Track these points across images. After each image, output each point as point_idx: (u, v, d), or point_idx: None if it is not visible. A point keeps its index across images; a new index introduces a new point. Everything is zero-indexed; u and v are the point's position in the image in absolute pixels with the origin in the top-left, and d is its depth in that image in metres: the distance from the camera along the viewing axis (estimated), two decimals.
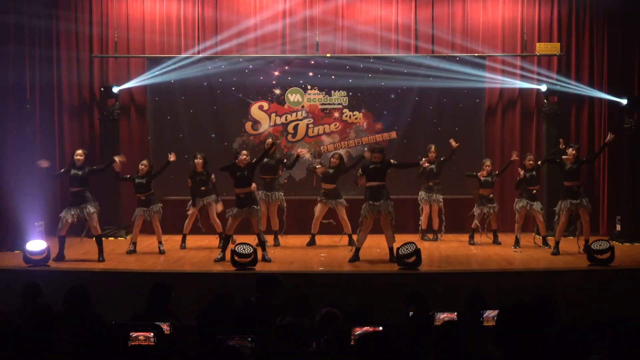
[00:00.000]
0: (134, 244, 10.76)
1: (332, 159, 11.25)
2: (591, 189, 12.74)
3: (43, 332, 4.76)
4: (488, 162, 11.51)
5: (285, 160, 11.50)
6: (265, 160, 11.10)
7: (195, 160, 11.01)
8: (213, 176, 11.10)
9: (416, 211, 12.30)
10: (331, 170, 11.17)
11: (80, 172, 10.15)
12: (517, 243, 11.01)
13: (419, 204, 11.85)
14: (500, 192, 12.58)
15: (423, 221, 11.81)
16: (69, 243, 10.57)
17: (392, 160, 10.07)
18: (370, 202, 9.79)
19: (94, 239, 10.22)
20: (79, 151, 10.33)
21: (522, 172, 10.97)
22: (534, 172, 11.02)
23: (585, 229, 10.58)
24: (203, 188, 11.05)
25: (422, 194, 11.72)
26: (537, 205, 11.00)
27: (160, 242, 10.74)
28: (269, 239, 11.26)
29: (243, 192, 10.08)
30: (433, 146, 11.73)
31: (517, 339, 3.06)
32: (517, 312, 3.13)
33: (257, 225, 10.13)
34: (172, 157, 10.67)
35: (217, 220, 11.15)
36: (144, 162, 10.81)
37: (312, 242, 11.38)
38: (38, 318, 5.01)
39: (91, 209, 10.12)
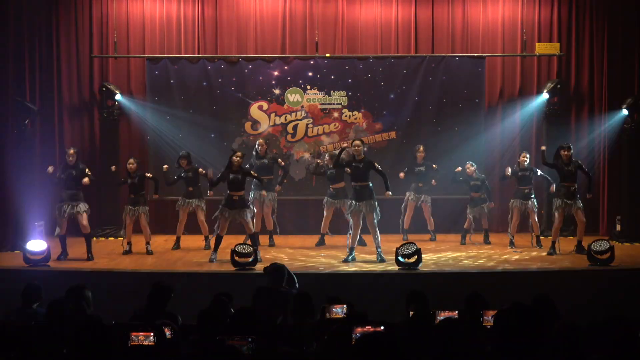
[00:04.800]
0: (129, 244, 10.70)
1: (326, 159, 11.15)
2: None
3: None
4: (469, 165, 11.49)
5: (279, 160, 11.47)
6: (260, 161, 11.13)
7: (180, 161, 11.08)
8: (203, 170, 11.05)
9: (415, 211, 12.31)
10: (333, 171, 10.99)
11: (74, 172, 10.24)
12: (511, 243, 11.05)
13: (403, 203, 11.79)
14: (499, 193, 12.58)
15: (406, 221, 11.78)
16: (69, 243, 10.57)
17: (376, 164, 9.95)
18: (354, 201, 9.86)
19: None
20: (71, 151, 10.42)
21: (508, 169, 11.19)
22: (527, 172, 11.03)
23: (580, 230, 10.58)
24: (190, 188, 11.04)
25: (411, 195, 11.69)
26: (531, 204, 11.01)
27: (147, 243, 10.70)
28: (265, 239, 11.27)
29: (237, 194, 10.04)
30: (422, 147, 11.74)
31: (514, 341, 3.05)
32: (514, 314, 3.13)
33: (249, 227, 10.10)
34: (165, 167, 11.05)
35: (205, 223, 11.13)
36: (131, 160, 10.79)
37: (321, 242, 11.31)
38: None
39: (82, 207, 10.24)
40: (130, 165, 10.70)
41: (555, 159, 10.57)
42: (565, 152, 10.48)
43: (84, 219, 10.23)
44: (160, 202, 12.24)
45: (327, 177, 11.16)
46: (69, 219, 10.33)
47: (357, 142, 10.06)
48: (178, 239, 11.16)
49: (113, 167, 11.31)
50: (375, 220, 9.80)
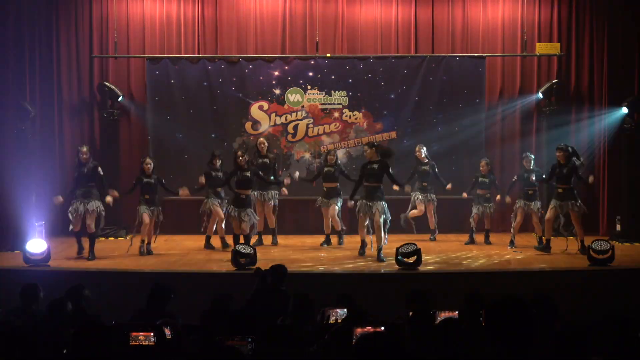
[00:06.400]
0: (149, 243, 10.51)
1: (329, 157, 11.11)
2: (591, 189, 12.75)
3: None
4: (484, 162, 11.52)
5: (276, 166, 11.51)
6: (262, 160, 11.14)
7: (214, 160, 10.89)
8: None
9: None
10: (333, 169, 10.99)
11: (86, 169, 10.25)
12: (511, 243, 11.06)
13: (414, 205, 11.76)
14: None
15: (430, 221, 11.77)
16: (69, 243, 10.58)
17: (390, 170, 10.11)
18: (365, 201, 9.99)
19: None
20: (84, 149, 10.40)
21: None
22: (531, 173, 11.04)
23: (577, 230, 10.55)
24: (219, 189, 10.88)
25: (417, 195, 11.67)
26: (534, 206, 11.03)
27: (149, 243, 10.55)
28: (268, 238, 11.35)
29: (244, 193, 10.35)
30: (419, 146, 11.74)
31: (506, 334, 3.04)
32: (506, 307, 3.12)
33: (245, 227, 10.28)
34: (182, 192, 10.69)
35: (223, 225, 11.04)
36: (147, 160, 10.60)
37: (328, 242, 11.22)
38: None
39: (94, 205, 10.21)
40: (147, 166, 10.49)
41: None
42: (558, 153, 10.48)
43: (89, 219, 10.24)
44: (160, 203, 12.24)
45: (323, 175, 11.08)
46: (83, 216, 10.33)
47: (366, 147, 10.43)
48: (208, 238, 11.03)
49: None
50: (382, 220, 9.91)
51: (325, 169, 11.07)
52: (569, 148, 10.53)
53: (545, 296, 5.57)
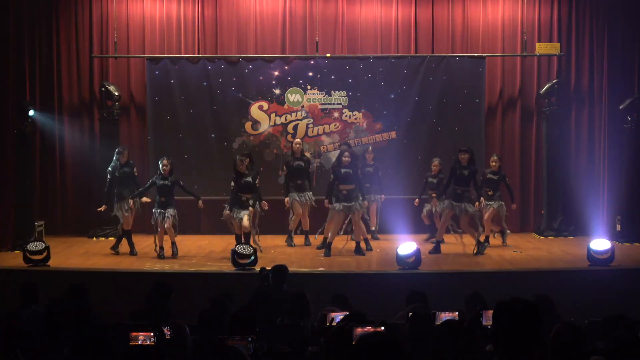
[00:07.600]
0: (162, 248, 10.36)
1: (343, 158, 10.31)
2: (591, 189, 12.75)
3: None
4: (436, 162, 11.48)
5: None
6: (297, 162, 11.16)
7: (238, 161, 10.46)
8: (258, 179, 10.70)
9: (413, 210, 12.32)
10: (350, 171, 10.33)
11: (127, 170, 10.55)
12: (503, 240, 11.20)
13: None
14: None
15: (371, 221, 11.69)
16: (70, 243, 10.58)
17: (359, 172, 10.45)
18: (344, 203, 10.15)
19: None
20: (125, 151, 10.68)
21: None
22: (495, 176, 11.02)
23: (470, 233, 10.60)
24: (245, 198, 10.43)
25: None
26: (494, 204, 10.97)
27: (173, 243, 10.40)
28: (300, 238, 11.38)
29: (246, 196, 10.35)
30: (370, 147, 11.89)
31: (513, 334, 3.04)
32: (514, 306, 3.12)
33: (248, 225, 10.36)
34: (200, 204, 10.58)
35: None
36: (165, 161, 10.37)
37: (328, 252, 10.55)
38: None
39: (138, 204, 10.59)
40: (164, 167, 10.30)
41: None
42: (462, 155, 10.40)
43: (130, 217, 10.52)
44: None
45: (342, 177, 10.34)
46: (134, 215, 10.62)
47: (344, 147, 10.95)
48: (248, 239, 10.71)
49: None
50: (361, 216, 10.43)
51: (343, 170, 10.23)
52: (473, 151, 10.54)
53: (545, 296, 5.58)
